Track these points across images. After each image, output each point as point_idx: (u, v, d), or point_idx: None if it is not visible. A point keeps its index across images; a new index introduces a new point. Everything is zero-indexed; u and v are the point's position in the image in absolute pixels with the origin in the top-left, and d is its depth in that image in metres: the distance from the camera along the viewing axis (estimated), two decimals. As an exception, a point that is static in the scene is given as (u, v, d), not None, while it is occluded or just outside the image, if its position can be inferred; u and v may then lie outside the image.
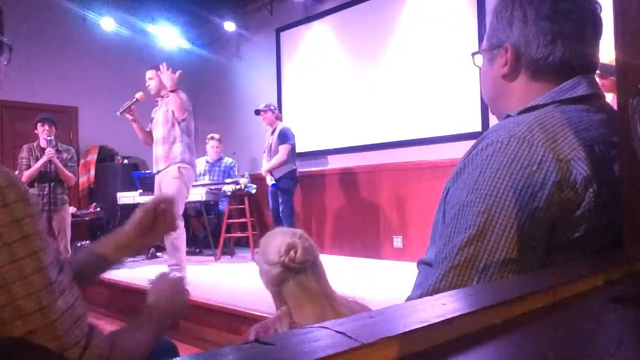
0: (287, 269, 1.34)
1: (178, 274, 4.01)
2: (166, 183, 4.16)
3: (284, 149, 5.34)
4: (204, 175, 6.16)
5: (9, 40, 0.91)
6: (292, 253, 1.33)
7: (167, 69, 4.14)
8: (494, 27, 0.91)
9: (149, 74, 4.37)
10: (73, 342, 0.71)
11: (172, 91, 4.14)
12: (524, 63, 0.87)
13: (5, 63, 0.92)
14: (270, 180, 5.44)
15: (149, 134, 4.43)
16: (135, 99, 4.30)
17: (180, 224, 4.16)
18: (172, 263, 4.16)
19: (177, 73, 4.18)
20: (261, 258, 1.40)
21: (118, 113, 4.32)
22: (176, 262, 4.15)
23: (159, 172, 4.27)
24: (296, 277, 1.35)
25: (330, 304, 1.37)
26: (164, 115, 4.25)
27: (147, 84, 4.36)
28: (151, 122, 4.45)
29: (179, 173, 4.15)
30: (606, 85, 2.34)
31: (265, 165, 5.51)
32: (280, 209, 5.45)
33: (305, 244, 1.36)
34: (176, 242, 4.14)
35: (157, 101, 4.44)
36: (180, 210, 4.19)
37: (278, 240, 1.37)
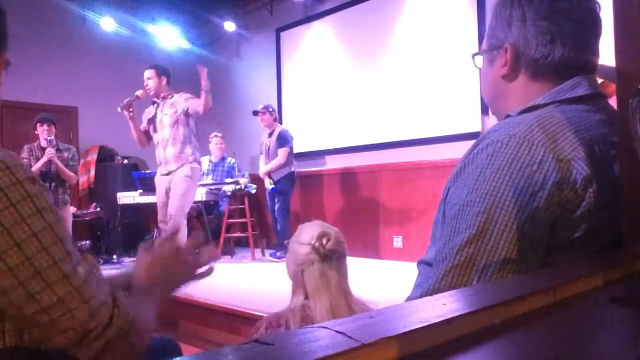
0: (315, 252, 1.43)
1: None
2: (177, 183, 4.19)
3: (283, 152, 5.34)
4: (207, 175, 6.15)
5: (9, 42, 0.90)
6: (324, 240, 1.43)
7: (205, 73, 4.20)
8: (493, 28, 0.91)
9: (147, 73, 4.36)
10: (101, 303, 0.73)
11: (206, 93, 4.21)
12: (523, 63, 0.87)
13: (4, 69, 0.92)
14: (269, 184, 5.44)
15: (144, 134, 4.44)
16: (135, 96, 4.32)
17: (184, 221, 4.19)
18: None
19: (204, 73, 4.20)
20: (294, 239, 1.50)
21: (118, 108, 4.34)
22: None
23: (169, 172, 4.28)
24: (321, 263, 1.43)
25: (345, 300, 1.43)
26: (172, 116, 4.26)
27: (145, 84, 4.36)
28: (148, 123, 4.43)
29: (191, 172, 4.21)
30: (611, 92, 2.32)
31: (263, 167, 5.50)
32: (276, 208, 5.44)
33: (337, 237, 1.47)
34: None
35: (154, 102, 4.43)
36: (187, 208, 4.25)
37: (315, 227, 1.48)
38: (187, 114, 4.26)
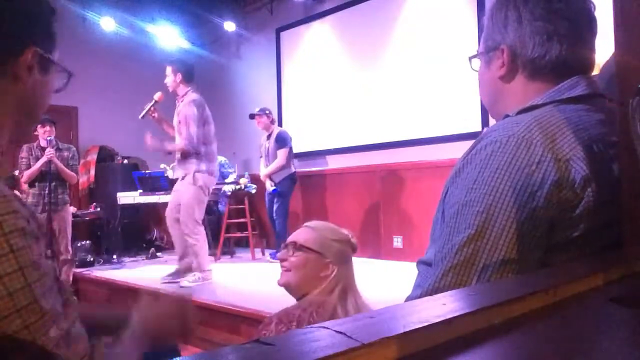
0: (352, 249, 1.48)
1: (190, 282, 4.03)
2: (182, 190, 4.12)
3: (282, 153, 5.33)
4: None
5: (62, 62, 0.86)
6: (354, 239, 1.49)
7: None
8: (490, 30, 0.91)
9: (167, 70, 4.24)
10: None
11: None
12: (520, 63, 0.87)
13: (59, 89, 0.88)
14: (270, 186, 5.44)
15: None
16: (154, 101, 4.18)
17: (201, 228, 4.15)
18: (194, 266, 4.15)
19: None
20: (327, 232, 1.51)
21: (140, 117, 4.23)
22: (196, 265, 4.14)
23: (177, 179, 4.25)
24: (351, 261, 1.48)
25: (358, 300, 1.46)
26: (177, 125, 4.16)
27: (165, 80, 4.24)
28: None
29: (194, 180, 4.08)
30: None
31: (263, 170, 5.50)
32: (275, 208, 5.43)
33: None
34: (195, 248, 4.10)
35: (176, 100, 4.32)
36: (199, 215, 4.16)
37: (333, 227, 1.53)
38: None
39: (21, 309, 0.66)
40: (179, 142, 4.12)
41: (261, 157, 5.63)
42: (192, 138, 4.03)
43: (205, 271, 4.15)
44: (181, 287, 4.02)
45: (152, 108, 4.17)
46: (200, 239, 4.12)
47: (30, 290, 0.67)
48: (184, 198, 4.09)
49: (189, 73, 4.24)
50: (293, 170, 5.49)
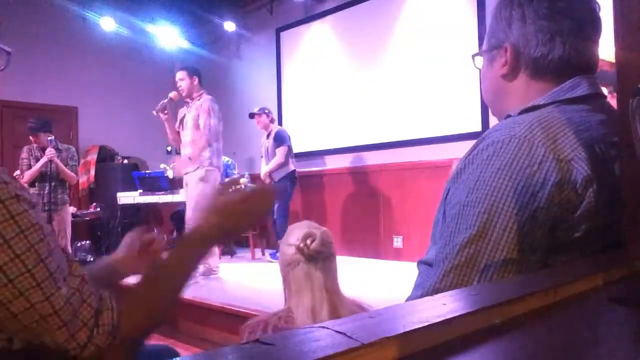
0: (300, 253, 1.42)
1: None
2: (192, 185, 4.24)
3: (281, 151, 5.36)
4: None
5: (7, 44, 0.91)
6: (308, 241, 1.42)
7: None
8: (494, 28, 0.91)
9: (179, 75, 4.42)
10: (80, 325, 0.74)
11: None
12: (523, 62, 0.87)
13: (1, 68, 0.92)
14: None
15: (178, 134, 4.50)
16: (169, 98, 4.40)
17: None
18: (202, 267, 4.25)
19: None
20: (283, 240, 1.50)
21: (154, 112, 4.42)
22: (208, 266, 4.26)
23: (187, 173, 4.35)
24: (306, 264, 1.43)
25: (330, 300, 1.41)
26: (193, 119, 4.31)
27: (178, 85, 4.43)
28: (180, 122, 4.49)
29: (206, 175, 4.23)
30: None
31: (264, 169, 5.53)
32: (275, 208, 5.43)
33: (323, 238, 1.44)
34: None
35: (187, 102, 4.48)
36: None
37: (302, 228, 1.47)
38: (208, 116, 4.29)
39: (31, 269, 0.70)
40: (198, 138, 4.27)
41: (262, 156, 5.66)
42: (212, 130, 4.25)
43: (214, 270, 4.32)
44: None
45: (166, 105, 4.37)
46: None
47: (35, 251, 0.71)
48: (192, 193, 4.22)
49: (201, 77, 4.51)
50: (292, 168, 5.48)
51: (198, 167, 4.27)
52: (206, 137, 4.21)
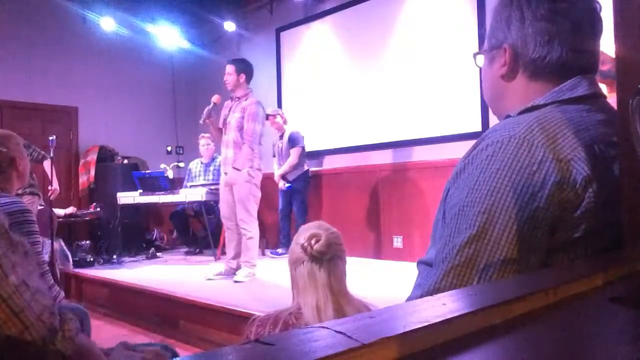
0: (304, 253, 1.48)
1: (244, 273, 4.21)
2: (238, 188, 4.23)
3: (295, 152, 5.48)
4: (198, 176, 6.18)
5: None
6: (313, 241, 1.48)
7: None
8: (494, 28, 0.92)
9: (228, 68, 4.32)
10: (44, 327, 0.76)
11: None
12: (521, 63, 0.88)
13: None
14: (283, 185, 5.55)
15: (220, 132, 4.43)
16: (213, 104, 4.37)
17: (257, 223, 4.29)
18: (244, 260, 4.28)
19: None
20: (295, 237, 1.57)
21: (201, 121, 4.41)
22: (247, 259, 4.28)
23: (226, 173, 4.33)
24: (310, 263, 1.48)
25: (335, 299, 1.45)
26: (238, 120, 4.24)
27: (225, 79, 4.33)
28: (223, 121, 4.40)
29: (249, 176, 4.21)
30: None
31: (277, 170, 5.61)
32: (295, 210, 5.58)
33: (330, 239, 1.50)
34: (250, 242, 4.25)
35: (231, 98, 4.40)
36: (255, 210, 4.28)
37: (311, 228, 1.54)
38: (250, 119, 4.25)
39: None
40: (241, 141, 4.24)
41: (274, 156, 5.75)
42: (256, 135, 4.23)
43: (254, 265, 4.31)
44: (235, 281, 4.18)
45: (211, 112, 4.34)
46: (255, 233, 4.26)
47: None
48: (240, 194, 4.21)
49: (251, 74, 4.37)
50: (306, 168, 5.65)
51: (240, 169, 4.24)
52: (249, 142, 4.18)
